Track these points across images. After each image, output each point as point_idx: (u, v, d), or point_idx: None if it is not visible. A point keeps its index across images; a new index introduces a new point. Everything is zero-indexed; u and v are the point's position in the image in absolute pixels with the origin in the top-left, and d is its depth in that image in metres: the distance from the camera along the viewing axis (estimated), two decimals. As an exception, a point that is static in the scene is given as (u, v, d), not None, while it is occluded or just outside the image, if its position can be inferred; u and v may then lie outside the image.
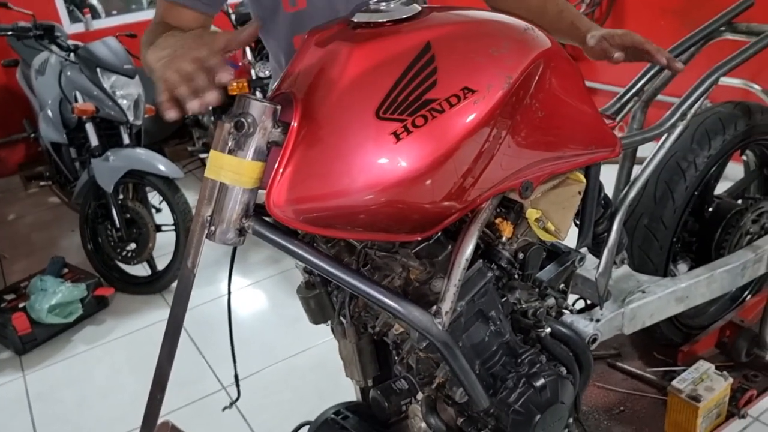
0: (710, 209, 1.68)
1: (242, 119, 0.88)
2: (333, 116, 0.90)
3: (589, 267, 1.41)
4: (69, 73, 2.96)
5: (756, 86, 2.85)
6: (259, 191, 0.96)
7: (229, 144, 0.90)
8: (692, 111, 1.36)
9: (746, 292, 1.85)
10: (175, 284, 3.02)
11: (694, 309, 1.60)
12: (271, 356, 2.54)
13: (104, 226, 3.03)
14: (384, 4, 0.98)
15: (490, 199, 1.03)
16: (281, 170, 0.90)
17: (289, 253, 0.95)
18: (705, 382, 1.54)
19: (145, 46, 1.10)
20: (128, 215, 2.99)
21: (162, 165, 2.90)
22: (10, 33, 2.85)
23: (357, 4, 1.04)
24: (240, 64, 3.41)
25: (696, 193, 1.55)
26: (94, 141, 2.95)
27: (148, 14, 5.03)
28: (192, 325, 2.76)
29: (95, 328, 2.89)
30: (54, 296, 2.73)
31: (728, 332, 1.77)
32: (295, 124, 0.92)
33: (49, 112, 3.12)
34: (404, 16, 0.97)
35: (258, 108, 0.89)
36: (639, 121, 1.78)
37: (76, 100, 2.94)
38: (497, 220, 1.11)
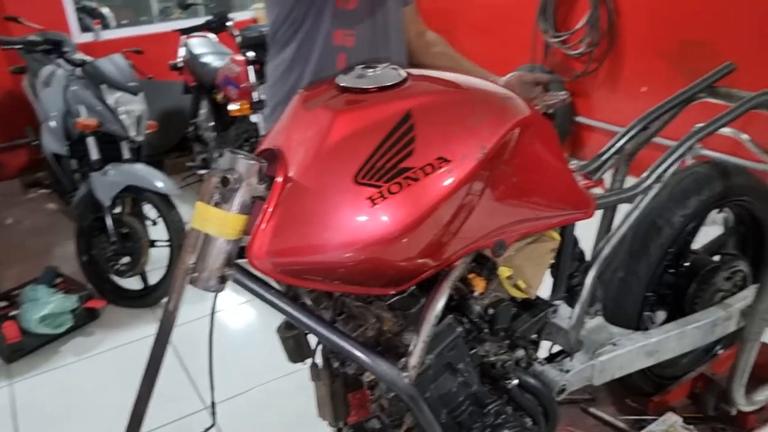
0: (686, 264, 1.72)
1: (228, 175, 0.93)
2: (314, 177, 0.95)
3: (564, 315, 1.46)
4: (74, 88, 3.01)
5: (745, 135, 2.91)
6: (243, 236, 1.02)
7: (215, 197, 0.95)
8: (668, 174, 1.41)
9: (719, 346, 1.89)
10: (165, 300, 3.06)
11: (667, 359, 1.64)
12: (255, 378, 2.57)
13: (99, 239, 3.07)
14: (371, 70, 1.04)
15: (463, 257, 1.09)
16: (263, 224, 0.95)
17: (266, 302, 1.00)
18: (671, 434, 1.58)
19: None
20: (124, 229, 3.04)
21: (159, 182, 2.95)
22: (19, 47, 2.91)
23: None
24: (242, 85, 3.47)
25: (671, 249, 1.60)
26: (94, 155, 3.00)
27: (156, 28, 5.11)
28: (180, 341, 2.80)
29: (84, 339, 2.92)
30: (45, 306, 2.77)
31: (700, 384, 1.81)
32: (279, 179, 0.97)
33: (52, 124, 3.17)
34: (389, 83, 1.02)
35: (244, 165, 0.94)
36: (622, 173, 1.83)
37: (80, 114, 3.00)
38: (471, 275, 1.16)
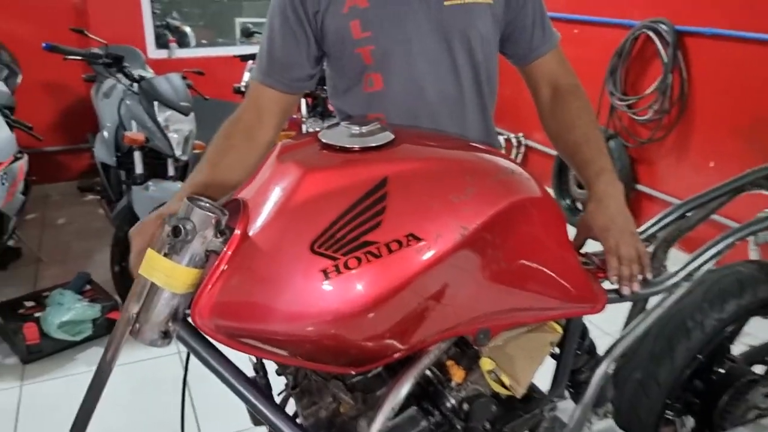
0: (720, 371, 1.53)
1: (181, 225, 0.86)
2: (272, 237, 0.87)
3: (569, 409, 1.31)
4: (129, 102, 3.08)
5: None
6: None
7: (166, 247, 0.88)
8: (700, 272, 1.26)
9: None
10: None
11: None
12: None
13: (133, 251, 3.09)
14: (357, 127, 0.95)
15: (438, 342, 0.97)
16: (212, 281, 0.87)
17: (208, 367, 0.92)
18: None
19: (212, 143, 1.26)
20: (157, 245, 3.04)
21: (197, 203, 2.95)
22: (80, 58, 3.01)
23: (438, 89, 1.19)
24: (294, 116, 3.47)
25: (700, 355, 1.42)
26: (139, 169, 3.04)
27: (232, 50, 5.20)
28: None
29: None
30: (67, 312, 2.79)
31: None
32: (238, 232, 0.89)
33: (105, 134, 3.25)
34: (374, 144, 0.93)
35: (199, 216, 0.87)
36: (660, 261, 1.67)
37: (131, 128, 3.06)
38: (449, 362, 1.04)
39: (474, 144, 1.04)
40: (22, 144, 3.27)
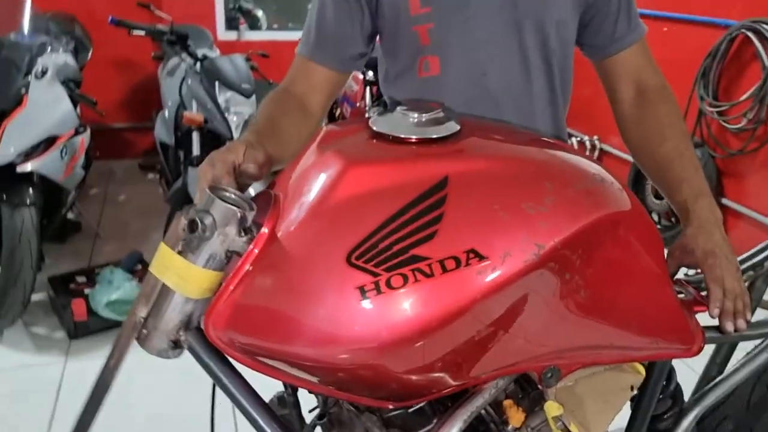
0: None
1: (198, 219, 0.73)
2: (305, 240, 0.72)
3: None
4: (190, 82, 3.02)
5: None
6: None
7: (180, 243, 0.75)
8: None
9: None
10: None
11: None
12: None
13: (185, 233, 3.04)
14: (416, 114, 0.79)
15: (497, 379, 0.81)
16: (231, 287, 0.74)
17: (222, 388, 0.78)
18: None
19: (261, 107, 1.11)
20: (209, 228, 2.98)
21: (251, 188, 2.86)
22: (144, 33, 2.96)
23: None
24: (357, 104, 3.35)
25: (808, 410, 1.20)
26: (196, 150, 2.98)
27: (300, 34, 5.15)
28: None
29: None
30: (115, 291, 2.75)
31: None
32: (265, 230, 0.75)
33: (166, 113, 3.21)
34: (434, 136, 0.77)
35: (221, 210, 0.73)
36: (760, 291, 1.44)
37: (191, 108, 3.00)
38: (506, 402, 0.87)
39: (556, 143, 0.86)
40: (87, 119, 3.28)
